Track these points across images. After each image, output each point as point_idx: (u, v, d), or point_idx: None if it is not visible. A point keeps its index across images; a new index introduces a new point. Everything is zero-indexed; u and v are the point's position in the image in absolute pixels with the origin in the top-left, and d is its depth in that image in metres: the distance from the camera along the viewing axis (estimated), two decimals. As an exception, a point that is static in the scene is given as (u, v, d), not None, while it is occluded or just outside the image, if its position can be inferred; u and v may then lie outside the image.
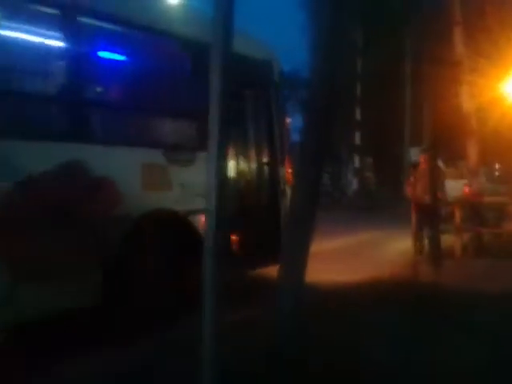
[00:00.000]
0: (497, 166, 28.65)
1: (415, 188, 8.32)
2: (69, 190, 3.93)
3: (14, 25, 3.83)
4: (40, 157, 3.75)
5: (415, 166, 9.15)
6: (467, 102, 9.74)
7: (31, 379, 3.53)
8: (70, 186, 3.95)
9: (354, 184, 26.80)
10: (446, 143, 23.38)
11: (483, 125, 12.86)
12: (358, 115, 25.59)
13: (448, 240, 8.35)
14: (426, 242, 8.18)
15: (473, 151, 9.64)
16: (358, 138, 26.16)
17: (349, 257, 8.41)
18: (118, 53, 4.73)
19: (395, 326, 4.55)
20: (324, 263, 6.49)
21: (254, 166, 5.90)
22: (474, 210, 9.09)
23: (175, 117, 5.12)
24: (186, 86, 5.10)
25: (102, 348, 3.95)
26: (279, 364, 3.45)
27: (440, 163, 10.04)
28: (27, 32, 3.96)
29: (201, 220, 4.55)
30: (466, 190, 11.67)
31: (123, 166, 4.32)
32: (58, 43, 4.13)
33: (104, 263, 4.11)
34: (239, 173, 5.74)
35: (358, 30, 22.82)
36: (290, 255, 3.84)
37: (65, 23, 4.05)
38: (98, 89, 4.66)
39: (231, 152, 5.40)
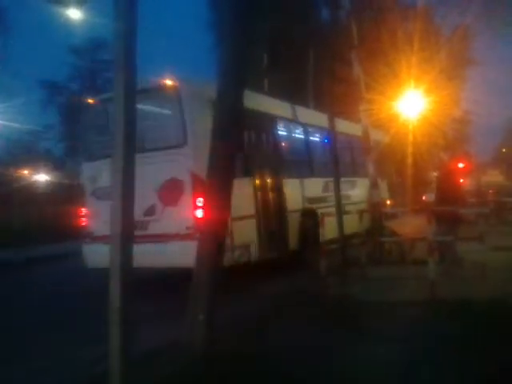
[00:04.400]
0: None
1: None
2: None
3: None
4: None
5: None
6: (365, 118, 10.30)
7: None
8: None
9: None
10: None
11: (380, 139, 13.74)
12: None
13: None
14: None
15: (371, 165, 10.19)
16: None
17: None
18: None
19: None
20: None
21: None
22: (377, 221, 9.59)
23: (355, 167, 12.52)
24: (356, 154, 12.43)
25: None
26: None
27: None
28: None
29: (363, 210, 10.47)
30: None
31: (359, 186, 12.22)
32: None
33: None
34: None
35: (263, 50, 23.38)
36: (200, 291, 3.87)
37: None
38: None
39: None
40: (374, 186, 9.96)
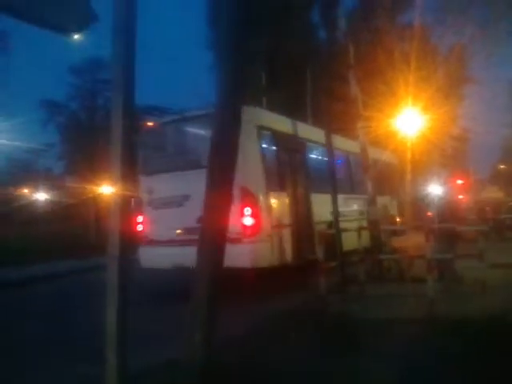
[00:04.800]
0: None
1: None
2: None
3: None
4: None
5: None
6: (363, 135, 10.39)
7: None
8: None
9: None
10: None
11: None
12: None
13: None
14: None
15: (369, 183, 10.23)
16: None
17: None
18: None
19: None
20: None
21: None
22: (376, 238, 9.59)
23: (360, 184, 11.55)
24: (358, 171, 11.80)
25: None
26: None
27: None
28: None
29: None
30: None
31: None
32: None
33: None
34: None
35: (261, 69, 23.64)
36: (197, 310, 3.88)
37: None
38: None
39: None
40: (372, 203, 9.99)
